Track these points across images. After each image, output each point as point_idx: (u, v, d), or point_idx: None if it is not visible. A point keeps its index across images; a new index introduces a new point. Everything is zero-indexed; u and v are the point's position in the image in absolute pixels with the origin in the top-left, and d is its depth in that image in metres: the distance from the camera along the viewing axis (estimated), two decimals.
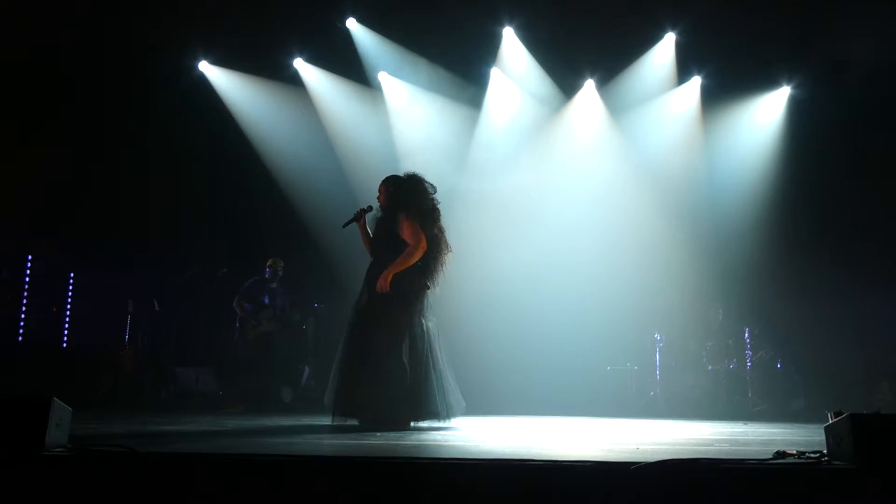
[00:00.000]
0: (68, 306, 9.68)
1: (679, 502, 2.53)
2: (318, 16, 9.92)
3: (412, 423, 5.39)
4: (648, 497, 2.54)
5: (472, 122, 10.59)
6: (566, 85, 10.64)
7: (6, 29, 8.56)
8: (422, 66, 10.26)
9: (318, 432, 4.94)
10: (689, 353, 9.68)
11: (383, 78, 10.53)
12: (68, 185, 9.32)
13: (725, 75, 10.11)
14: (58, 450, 2.84)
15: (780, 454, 2.99)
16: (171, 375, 8.70)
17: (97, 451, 2.81)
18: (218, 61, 10.29)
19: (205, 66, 10.29)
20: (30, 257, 9.40)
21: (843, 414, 2.92)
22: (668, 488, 2.55)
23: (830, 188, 9.92)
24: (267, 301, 8.71)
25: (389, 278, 5.36)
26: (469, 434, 4.99)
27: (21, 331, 9.23)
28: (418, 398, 5.41)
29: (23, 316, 9.28)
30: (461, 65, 10.26)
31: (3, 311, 9.13)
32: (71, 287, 9.73)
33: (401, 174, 5.81)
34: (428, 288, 5.62)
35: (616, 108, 10.52)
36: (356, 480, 2.58)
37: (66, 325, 9.63)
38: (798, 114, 10.30)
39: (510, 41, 10.31)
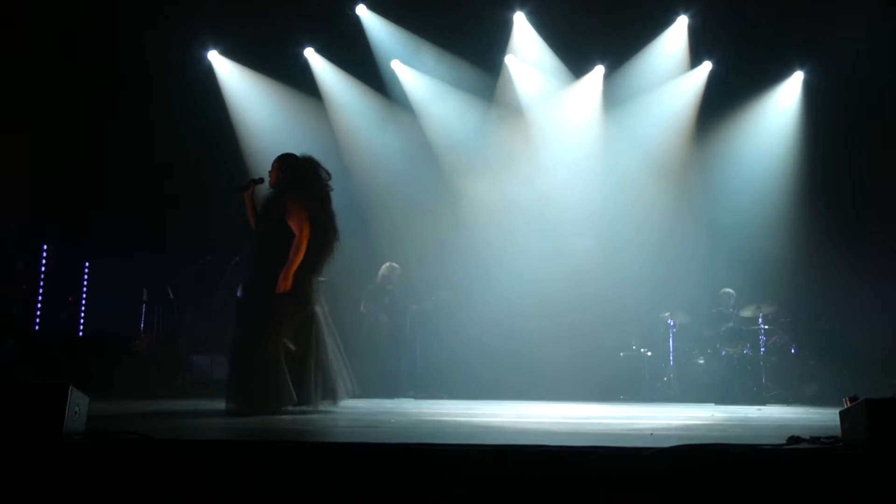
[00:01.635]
0: (84, 295, 9.75)
1: (693, 487, 2.53)
2: (328, 3, 9.90)
3: (287, 408, 5.24)
4: (663, 482, 2.54)
5: (486, 111, 10.56)
6: (578, 70, 10.58)
7: (20, 15, 8.59)
8: (433, 53, 10.23)
9: (337, 419, 4.97)
10: (702, 339, 9.65)
11: (396, 66, 10.50)
12: (83, 174, 9.36)
13: (738, 60, 10.02)
14: (75, 437, 2.87)
15: (794, 439, 2.98)
16: (187, 363, 8.75)
17: (114, 439, 2.84)
18: (227, 51, 10.29)
19: (214, 57, 10.29)
20: (45, 247, 9.47)
21: (858, 399, 2.90)
22: (682, 473, 2.55)
23: (845, 173, 9.84)
24: None
25: (290, 278, 5.24)
26: (482, 419, 5.01)
27: (38, 320, 9.31)
28: (300, 384, 5.29)
29: (39, 305, 9.35)
30: (473, 52, 10.22)
31: (19, 301, 9.21)
32: (86, 276, 9.80)
33: (297, 154, 5.65)
34: (314, 274, 5.50)
35: (629, 93, 10.45)
36: (370, 465, 2.60)
37: (82, 314, 9.71)
38: (814, 98, 10.21)
39: (522, 27, 10.26)
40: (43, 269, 9.44)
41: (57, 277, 9.58)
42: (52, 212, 9.35)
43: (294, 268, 5.27)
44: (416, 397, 8.71)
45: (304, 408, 5.34)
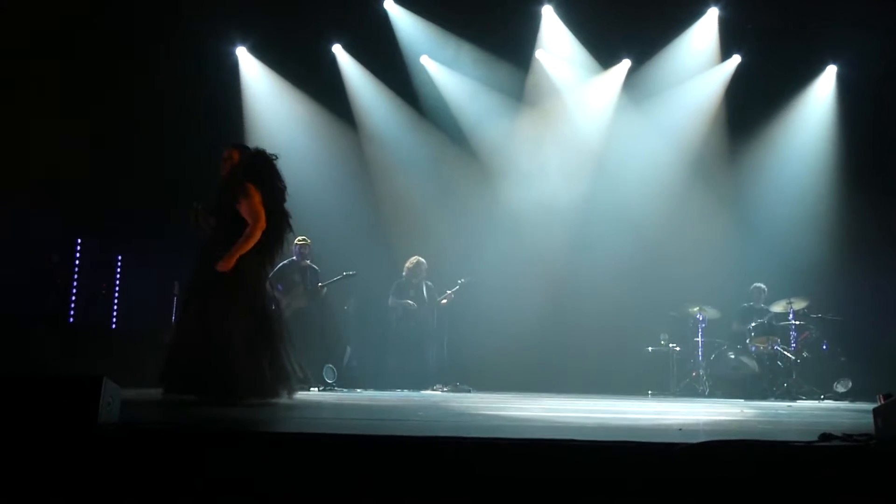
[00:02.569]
0: (117, 288, 9.89)
1: (723, 484, 2.51)
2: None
3: (247, 399, 5.16)
4: (692, 479, 2.52)
5: (516, 106, 10.53)
6: (608, 63, 10.52)
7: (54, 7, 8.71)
8: (462, 48, 10.22)
9: (365, 412, 5.00)
10: (732, 334, 9.56)
11: (425, 62, 10.50)
12: (116, 167, 9.47)
13: (769, 52, 9.88)
14: (109, 427, 2.92)
15: (826, 436, 2.93)
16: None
17: (146, 429, 2.89)
18: (255, 48, 10.34)
19: (242, 53, 10.36)
20: (79, 241, 9.61)
21: (892, 396, 2.86)
22: (712, 470, 2.54)
23: (880, 168, 9.68)
24: (298, 279, 8.82)
25: (234, 261, 5.21)
26: (510, 412, 5.01)
27: (72, 312, 9.47)
28: (254, 374, 5.22)
29: (73, 298, 9.51)
30: (502, 46, 10.19)
31: (54, 294, 9.36)
32: (119, 269, 9.94)
33: (249, 146, 5.63)
34: (263, 267, 5.48)
35: (658, 87, 10.36)
36: (399, 458, 2.61)
37: (115, 307, 9.86)
38: (848, 92, 10.05)
39: (550, 20, 10.21)
40: (77, 262, 9.58)
41: (91, 270, 9.72)
42: (87, 206, 9.47)
43: (240, 251, 5.21)
44: (442, 391, 8.73)
45: (266, 399, 5.26)
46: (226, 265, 5.19)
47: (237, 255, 5.22)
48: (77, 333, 9.18)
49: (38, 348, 8.48)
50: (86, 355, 8.17)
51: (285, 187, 5.59)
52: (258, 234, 5.29)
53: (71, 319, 9.46)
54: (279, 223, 5.52)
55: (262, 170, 5.48)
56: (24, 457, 2.58)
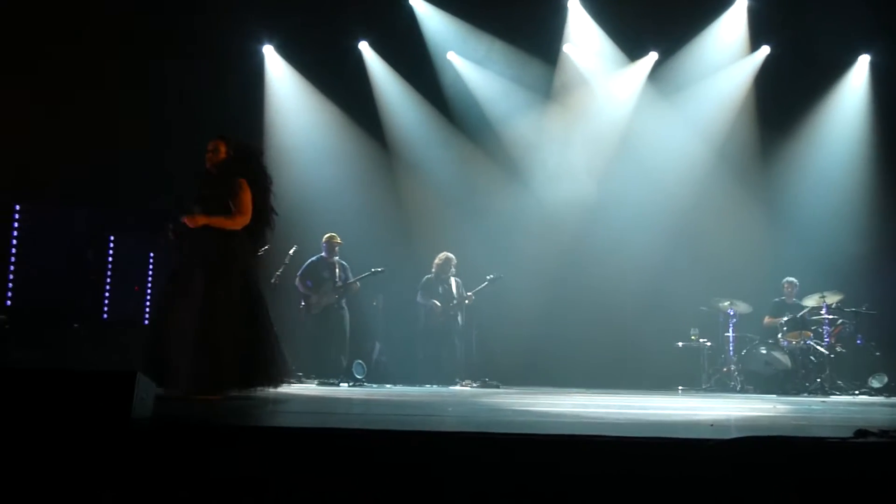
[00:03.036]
0: (149, 285, 10.03)
1: (756, 481, 2.49)
2: None
3: (240, 390, 5.15)
4: (724, 475, 2.50)
5: (544, 100, 10.50)
6: (635, 55, 10.43)
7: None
8: (489, 43, 10.20)
9: (394, 405, 5.02)
10: (763, 329, 9.45)
11: (452, 58, 10.50)
12: (148, 165, 9.58)
13: (800, 42, 9.72)
14: (143, 422, 2.96)
15: (862, 433, 2.88)
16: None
17: (179, 424, 2.93)
18: (282, 46, 10.40)
19: (268, 52, 10.43)
20: (112, 238, 9.75)
21: None
22: (744, 466, 2.51)
23: None
24: (327, 276, 8.86)
25: (201, 221, 5.18)
26: (539, 408, 5.00)
27: (106, 308, 9.61)
28: (251, 363, 5.20)
29: (107, 294, 9.65)
30: (529, 40, 10.15)
31: (89, 290, 9.51)
32: (151, 266, 10.07)
33: (244, 140, 5.62)
34: (248, 259, 5.46)
35: (687, 79, 10.26)
36: (431, 453, 2.62)
37: (147, 303, 10.00)
38: (882, 82, 9.87)
39: (577, 13, 10.15)
40: (110, 259, 9.72)
41: (124, 267, 9.86)
42: (120, 203, 9.60)
43: (215, 223, 5.21)
44: (471, 386, 8.74)
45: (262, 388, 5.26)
46: (193, 221, 5.19)
47: (210, 222, 5.21)
48: (110, 329, 9.33)
49: (73, 344, 8.63)
50: (119, 351, 8.29)
51: (272, 183, 5.62)
52: (239, 224, 5.29)
53: (105, 316, 9.61)
54: (268, 217, 5.57)
55: (255, 166, 5.52)
56: (59, 450, 2.63)
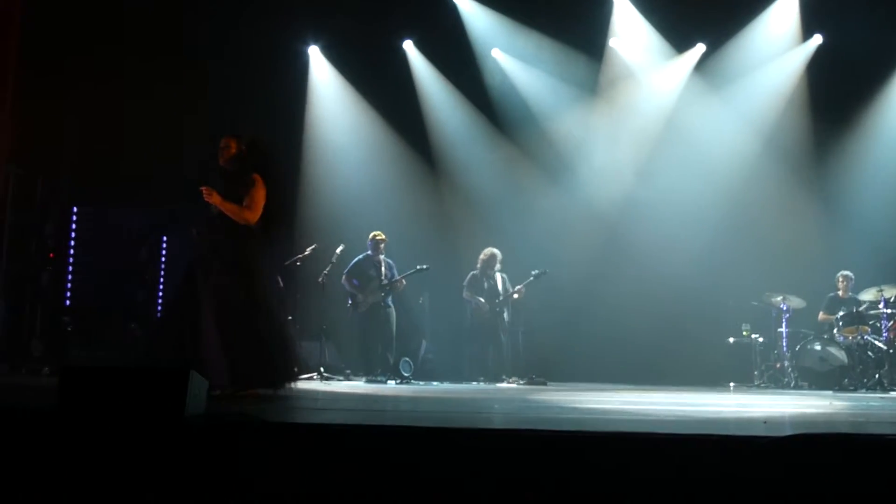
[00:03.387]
0: None
1: (811, 480, 2.43)
2: None
3: (251, 390, 5.07)
4: (778, 474, 2.45)
5: (591, 98, 10.42)
6: (682, 47, 10.29)
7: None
8: (534, 39, 10.15)
9: (441, 402, 5.04)
10: (818, 324, 9.23)
11: (497, 55, 10.48)
12: (196, 164, 9.75)
13: (855, 30, 9.43)
14: (196, 418, 3.02)
15: None
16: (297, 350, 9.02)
17: (232, 421, 2.98)
18: (327, 47, 10.49)
19: (314, 53, 10.53)
20: (165, 238, 9.95)
21: None
22: (799, 464, 2.45)
23: None
24: (373, 274, 8.92)
25: (216, 200, 5.16)
26: (588, 405, 4.96)
27: (160, 307, 9.83)
28: (286, 360, 5.23)
29: (160, 293, 9.87)
30: (575, 35, 10.07)
31: (144, 289, 9.73)
32: None
33: (259, 136, 5.58)
34: (260, 257, 5.41)
35: (737, 70, 10.08)
36: (479, 451, 2.62)
37: None
38: None
39: (623, 6, 10.05)
40: (163, 258, 9.93)
41: (176, 267, 10.07)
42: (173, 203, 9.80)
43: (229, 210, 5.21)
44: (518, 384, 8.71)
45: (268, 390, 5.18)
46: (210, 195, 5.19)
47: (223, 205, 5.22)
48: (164, 328, 9.52)
49: (127, 342, 8.84)
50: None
51: (284, 177, 5.69)
52: (248, 219, 5.29)
53: (159, 314, 9.83)
54: (280, 218, 5.60)
55: (268, 161, 5.52)
56: (115, 446, 2.70)
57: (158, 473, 2.64)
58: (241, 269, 5.26)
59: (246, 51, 9.55)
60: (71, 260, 9.38)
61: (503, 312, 9.26)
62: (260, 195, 5.34)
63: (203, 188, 5.21)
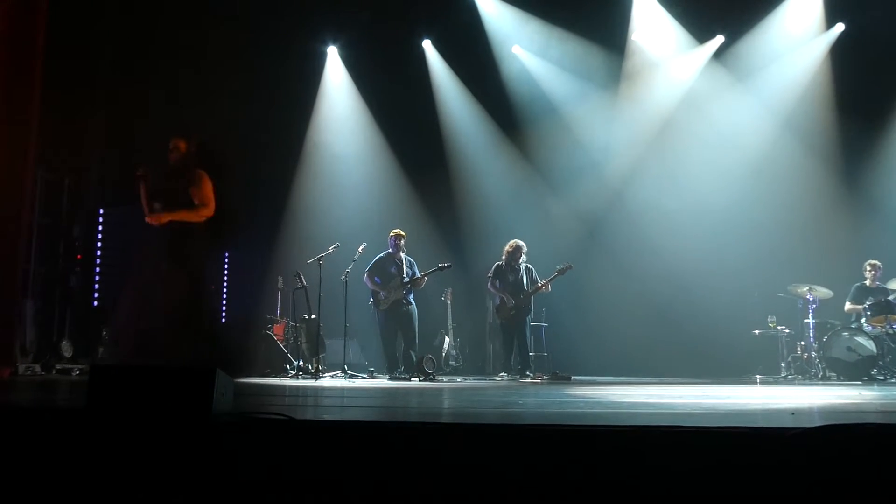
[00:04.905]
0: (225, 284, 10.32)
1: (840, 471, 2.40)
2: None
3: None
4: (806, 465, 2.43)
5: (611, 91, 10.37)
6: (704, 39, 10.20)
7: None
8: (554, 35, 10.11)
9: (464, 398, 5.05)
10: (845, 314, 9.12)
11: (517, 52, 10.44)
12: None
13: (880, 16, 9.30)
14: (223, 417, 3.05)
15: None
16: (322, 347, 9.08)
17: (259, 419, 3.00)
18: (345, 47, 10.51)
19: (332, 53, 10.56)
20: None
21: None
22: (827, 456, 2.43)
23: None
24: (394, 271, 8.93)
25: (165, 218, 5.23)
26: (612, 399, 4.94)
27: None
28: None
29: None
30: (595, 31, 10.02)
31: None
32: (227, 266, 10.36)
33: (204, 139, 5.67)
34: (209, 254, 5.51)
35: (759, 59, 9.99)
36: (504, 447, 2.62)
37: (224, 302, 10.28)
38: None
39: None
40: None
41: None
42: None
43: (178, 217, 5.27)
44: (542, 379, 8.69)
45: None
46: (158, 218, 5.28)
47: (174, 217, 5.30)
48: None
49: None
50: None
51: (235, 181, 5.73)
52: (203, 217, 5.35)
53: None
54: (231, 218, 5.70)
55: (215, 161, 5.61)
56: (143, 444, 2.73)
57: (186, 471, 2.67)
58: (170, 269, 5.32)
59: (269, 52, 9.60)
60: (98, 261, 9.49)
61: (529, 306, 9.12)
62: (208, 188, 5.43)
63: (148, 218, 5.31)
